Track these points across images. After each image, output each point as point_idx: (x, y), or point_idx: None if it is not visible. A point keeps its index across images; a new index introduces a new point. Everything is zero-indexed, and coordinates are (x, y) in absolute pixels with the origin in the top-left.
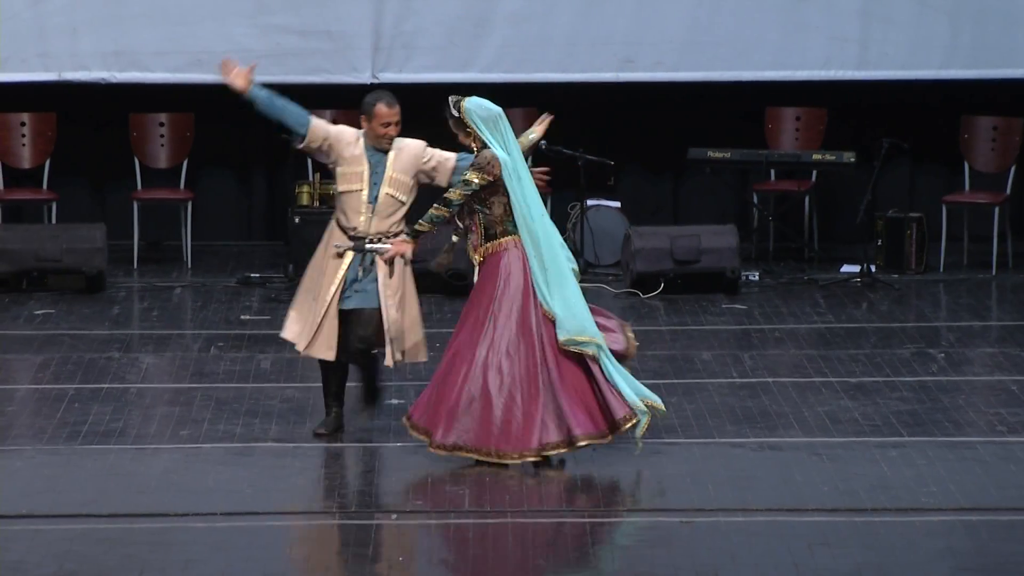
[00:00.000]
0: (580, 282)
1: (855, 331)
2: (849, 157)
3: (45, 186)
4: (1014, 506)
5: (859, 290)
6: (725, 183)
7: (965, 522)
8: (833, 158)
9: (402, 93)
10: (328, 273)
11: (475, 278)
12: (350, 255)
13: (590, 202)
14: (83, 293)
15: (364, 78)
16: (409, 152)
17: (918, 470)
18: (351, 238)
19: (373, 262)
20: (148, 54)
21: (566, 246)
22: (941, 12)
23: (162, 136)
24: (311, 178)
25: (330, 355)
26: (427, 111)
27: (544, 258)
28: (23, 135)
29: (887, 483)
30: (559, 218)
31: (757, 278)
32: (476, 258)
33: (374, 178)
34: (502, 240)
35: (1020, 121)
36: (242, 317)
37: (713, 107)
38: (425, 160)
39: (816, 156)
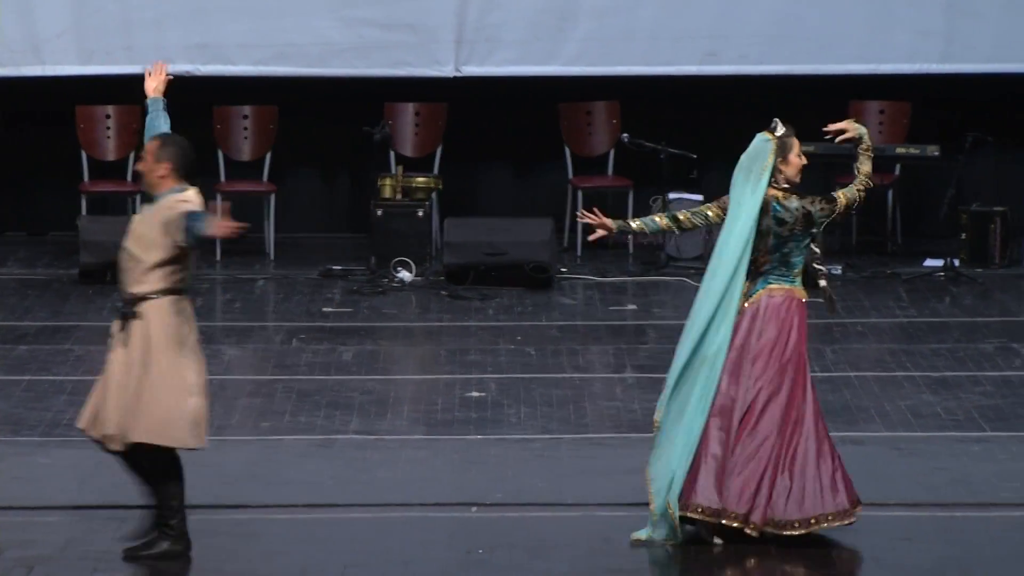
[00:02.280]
0: (662, 275)
1: (938, 325)
2: (933, 151)
3: (129, 178)
4: None
5: (942, 284)
6: (809, 176)
7: None
8: (917, 152)
9: (487, 86)
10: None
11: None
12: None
13: (672, 195)
14: None
15: (447, 71)
16: (167, 204)
17: (1000, 465)
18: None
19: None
20: (232, 47)
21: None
22: None
23: (245, 129)
24: (394, 171)
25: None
26: (508, 104)
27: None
28: (108, 128)
29: (969, 478)
30: (641, 211)
31: (840, 271)
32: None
33: None
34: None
35: None
36: (324, 309)
37: (797, 100)
38: (172, 211)
39: (900, 150)
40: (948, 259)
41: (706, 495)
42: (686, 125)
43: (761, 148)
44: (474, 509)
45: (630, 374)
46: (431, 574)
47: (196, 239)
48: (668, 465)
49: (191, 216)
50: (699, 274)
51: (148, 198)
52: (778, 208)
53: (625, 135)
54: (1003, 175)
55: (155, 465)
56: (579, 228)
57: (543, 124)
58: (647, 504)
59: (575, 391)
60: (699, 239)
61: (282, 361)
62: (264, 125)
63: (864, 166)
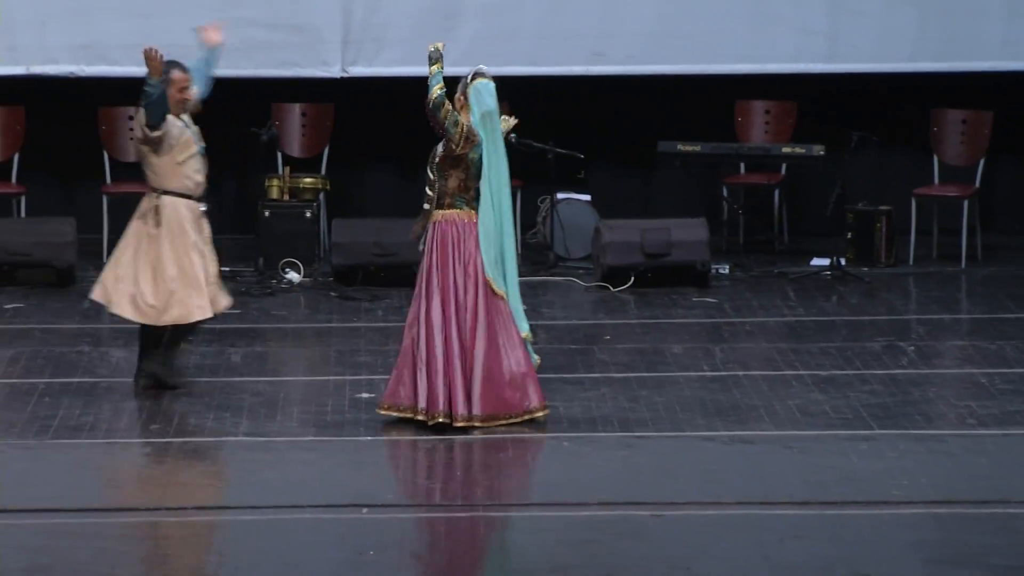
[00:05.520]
0: (551, 275)
1: (825, 324)
2: (818, 150)
3: (14, 180)
4: (983, 498)
5: (829, 283)
6: (695, 176)
7: (935, 515)
8: (803, 151)
9: (374, 86)
10: (189, 236)
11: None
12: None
13: (560, 195)
14: (53, 287)
15: (334, 72)
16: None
17: (888, 463)
18: (198, 200)
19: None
20: (116, 47)
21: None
22: (909, 4)
23: (131, 130)
24: (280, 172)
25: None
26: (395, 104)
27: (504, 247)
28: None
29: (857, 476)
30: (529, 211)
31: (727, 271)
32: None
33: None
34: (450, 212)
35: (989, 114)
36: None
37: (683, 100)
38: None
39: (786, 149)
40: (834, 258)
41: None
42: (574, 125)
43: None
44: (364, 511)
45: None
46: (320, 575)
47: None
48: None
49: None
50: (588, 274)
51: None
52: None
53: (513, 135)
54: (888, 174)
55: None
56: None
57: (430, 124)
58: (532, 504)
59: None
60: (587, 240)
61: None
62: None
63: None
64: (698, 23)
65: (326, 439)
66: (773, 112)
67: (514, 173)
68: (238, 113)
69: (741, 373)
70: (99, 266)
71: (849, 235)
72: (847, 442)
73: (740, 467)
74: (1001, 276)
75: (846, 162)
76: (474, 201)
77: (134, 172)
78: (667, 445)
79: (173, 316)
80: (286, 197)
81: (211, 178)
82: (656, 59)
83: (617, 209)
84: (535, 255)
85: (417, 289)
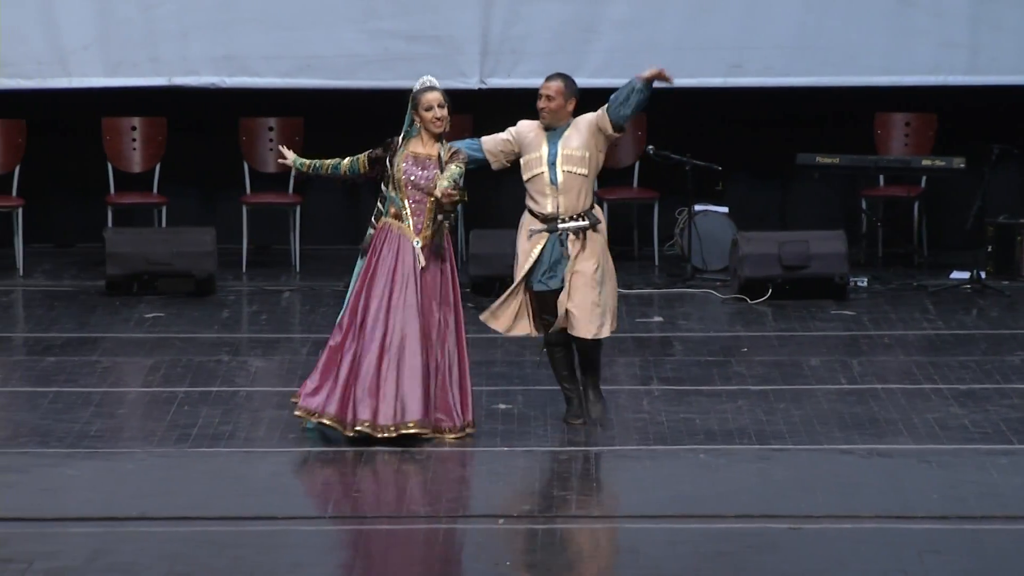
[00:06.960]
0: (688, 287)
1: (965, 338)
2: (959, 163)
3: (155, 190)
4: None
5: (969, 296)
6: (833, 189)
7: None
8: (943, 164)
9: (510, 98)
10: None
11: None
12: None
13: (698, 207)
14: (193, 296)
15: (472, 83)
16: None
17: None
18: (543, 220)
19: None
20: (258, 59)
21: None
22: None
23: (271, 140)
24: None
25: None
26: (533, 115)
27: None
28: (134, 139)
29: (997, 490)
30: (667, 224)
31: (866, 284)
32: (417, 240)
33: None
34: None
35: None
36: None
37: (822, 112)
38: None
39: (926, 162)
40: (974, 271)
41: None
42: (711, 137)
43: None
44: (501, 521)
45: (657, 386)
46: None
47: None
48: None
49: None
50: (725, 286)
51: None
52: None
53: (650, 147)
54: None
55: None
56: None
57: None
58: (669, 516)
59: None
60: (724, 252)
61: (308, 373)
62: (290, 136)
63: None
64: (837, 35)
65: (465, 449)
66: (913, 124)
67: (651, 185)
68: (377, 124)
69: (879, 386)
70: (238, 276)
71: (989, 248)
72: (987, 456)
73: (878, 481)
74: None
75: (987, 175)
76: None
77: (273, 182)
78: (804, 458)
79: None
80: None
81: (350, 188)
82: (795, 71)
83: (754, 221)
84: (672, 267)
85: (408, 299)
